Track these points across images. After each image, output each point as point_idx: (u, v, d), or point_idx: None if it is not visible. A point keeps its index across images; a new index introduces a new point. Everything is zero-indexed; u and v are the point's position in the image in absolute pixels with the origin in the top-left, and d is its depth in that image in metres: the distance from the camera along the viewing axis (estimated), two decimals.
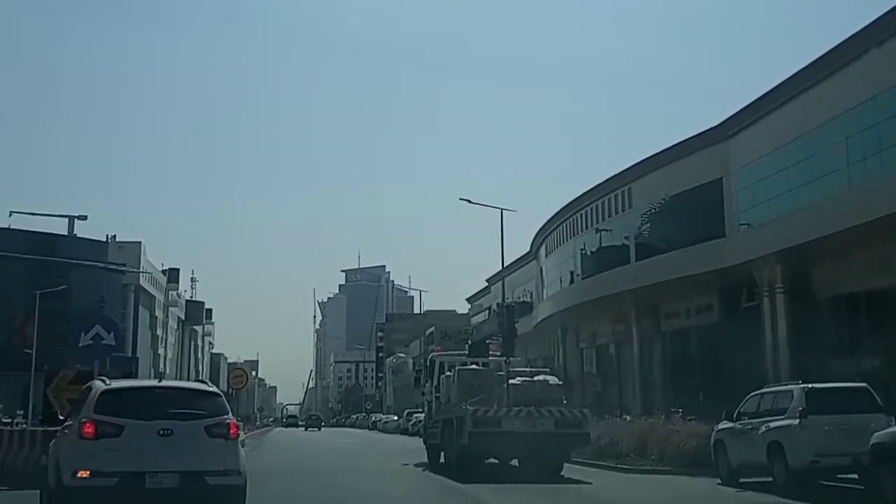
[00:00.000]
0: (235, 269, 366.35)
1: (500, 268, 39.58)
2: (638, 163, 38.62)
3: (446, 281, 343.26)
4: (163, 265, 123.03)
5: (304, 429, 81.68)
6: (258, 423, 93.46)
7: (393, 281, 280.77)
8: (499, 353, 24.96)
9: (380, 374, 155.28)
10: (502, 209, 36.63)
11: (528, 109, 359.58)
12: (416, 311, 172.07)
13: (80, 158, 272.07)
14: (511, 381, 20.69)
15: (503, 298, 41.63)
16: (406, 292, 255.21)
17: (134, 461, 9.37)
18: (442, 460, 22.06)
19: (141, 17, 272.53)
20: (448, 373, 23.14)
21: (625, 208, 40.38)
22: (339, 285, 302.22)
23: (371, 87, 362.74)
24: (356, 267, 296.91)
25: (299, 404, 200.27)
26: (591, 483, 17.40)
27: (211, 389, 10.70)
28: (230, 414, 10.27)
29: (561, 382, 22.52)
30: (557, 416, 19.39)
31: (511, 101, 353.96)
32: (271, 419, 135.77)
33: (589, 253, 44.85)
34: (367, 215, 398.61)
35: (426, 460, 23.56)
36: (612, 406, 39.53)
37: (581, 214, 45.27)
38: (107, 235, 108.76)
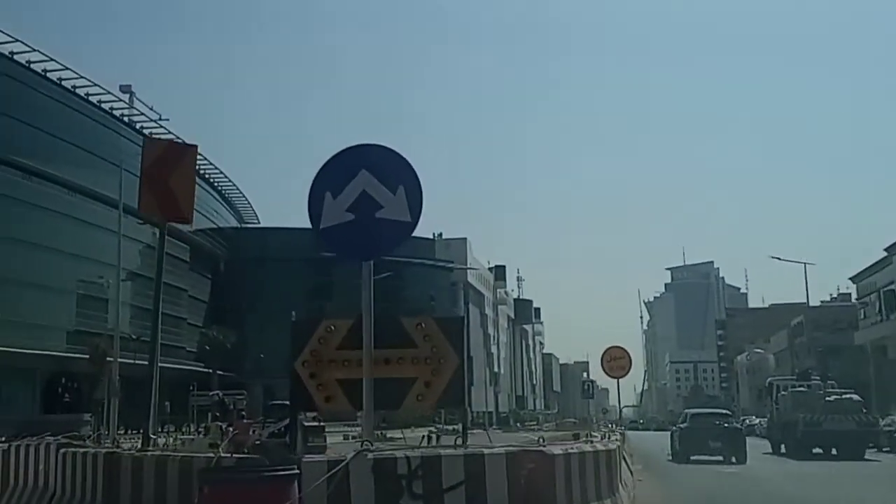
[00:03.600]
0: (558, 269, 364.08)
1: None
2: None
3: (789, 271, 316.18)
4: (489, 262, 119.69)
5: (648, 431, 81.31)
6: (595, 424, 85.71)
7: (723, 277, 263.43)
8: (818, 379, 37.95)
9: (723, 374, 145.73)
10: None
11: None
12: (752, 305, 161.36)
13: (407, 154, 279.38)
14: (827, 398, 31.12)
15: None
16: (738, 289, 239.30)
17: None
18: (781, 450, 31.51)
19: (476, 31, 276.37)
20: (783, 392, 34.55)
21: None
22: (665, 284, 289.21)
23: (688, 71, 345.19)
24: (682, 264, 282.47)
25: (634, 406, 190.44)
26: (879, 462, 27.24)
27: None
28: None
29: (861, 399, 31.70)
30: (858, 420, 29.49)
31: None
32: (609, 423, 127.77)
33: None
34: (691, 211, 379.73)
35: (770, 450, 33.12)
36: None
37: None
38: (433, 233, 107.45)
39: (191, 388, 56.88)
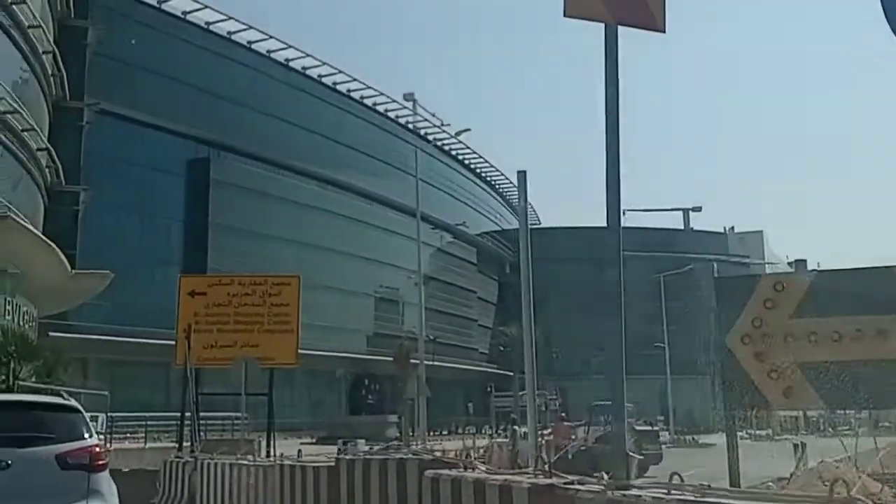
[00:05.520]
0: (862, 263, 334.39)
1: None
2: None
3: None
4: (787, 257, 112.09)
5: None
6: None
7: None
8: None
9: None
10: None
11: None
12: None
13: (693, 149, 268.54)
14: None
15: None
16: None
17: None
18: None
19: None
20: None
21: None
22: None
23: None
24: None
25: None
26: None
27: (66, 403, 7.60)
28: (92, 435, 7.23)
29: None
30: None
31: None
32: None
33: None
34: None
35: None
36: None
37: None
38: (724, 227, 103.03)
39: (488, 388, 56.45)
